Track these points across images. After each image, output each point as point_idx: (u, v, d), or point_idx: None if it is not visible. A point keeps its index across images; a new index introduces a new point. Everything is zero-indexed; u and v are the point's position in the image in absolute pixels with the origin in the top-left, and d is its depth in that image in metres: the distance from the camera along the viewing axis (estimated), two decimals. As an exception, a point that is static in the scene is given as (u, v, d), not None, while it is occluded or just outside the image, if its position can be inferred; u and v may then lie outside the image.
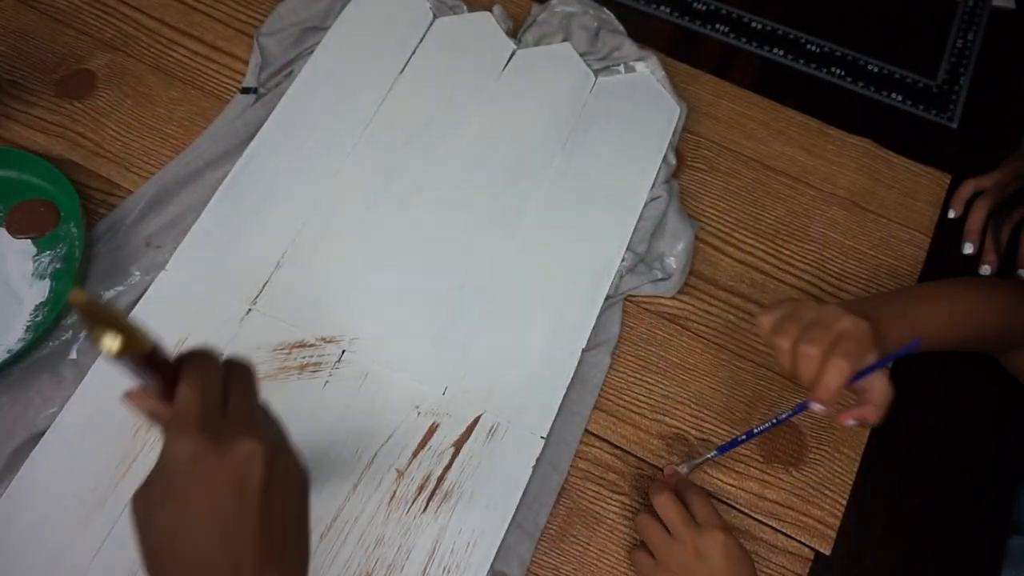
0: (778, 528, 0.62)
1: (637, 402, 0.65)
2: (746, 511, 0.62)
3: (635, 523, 0.60)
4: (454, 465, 0.61)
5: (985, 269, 0.71)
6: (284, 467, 0.38)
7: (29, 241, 0.67)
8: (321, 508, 0.59)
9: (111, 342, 0.35)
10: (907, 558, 0.62)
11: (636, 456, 0.64)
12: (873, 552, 0.62)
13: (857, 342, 0.50)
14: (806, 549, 0.61)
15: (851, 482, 0.63)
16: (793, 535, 0.61)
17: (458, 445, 0.62)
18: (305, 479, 0.40)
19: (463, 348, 0.65)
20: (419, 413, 0.62)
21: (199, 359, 0.39)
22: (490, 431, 0.62)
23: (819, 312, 0.52)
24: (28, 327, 0.64)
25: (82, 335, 0.64)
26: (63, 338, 0.64)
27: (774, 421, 0.57)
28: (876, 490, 0.64)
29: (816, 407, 0.50)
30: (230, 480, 0.36)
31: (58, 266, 0.67)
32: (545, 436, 0.62)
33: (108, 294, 0.66)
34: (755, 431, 0.58)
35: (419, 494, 0.60)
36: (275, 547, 0.37)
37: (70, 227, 0.68)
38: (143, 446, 0.60)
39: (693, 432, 0.64)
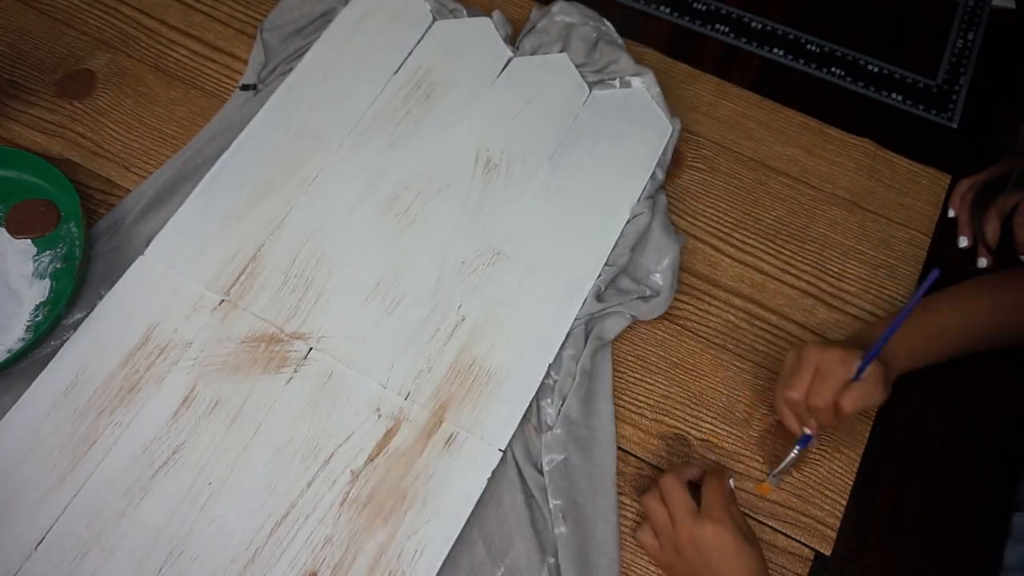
0: (778, 528, 0.62)
1: (637, 402, 0.65)
2: (746, 511, 0.62)
3: (640, 503, 0.60)
4: (410, 472, 0.61)
5: (981, 262, 0.72)
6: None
7: (29, 241, 0.67)
8: (274, 503, 0.59)
9: None
10: (907, 558, 0.62)
11: (636, 456, 0.63)
12: (873, 552, 0.62)
13: (831, 374, 0.57)
14: (806, 549, 0.61)
15: (851, 482, 0.63)
16: (793, 535, 0.61)
17: (415, 452, 0.61)
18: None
19: (430, 355, 0.65)
20: (379, 416, 0.62)
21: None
22: (448, 440, 0.62)
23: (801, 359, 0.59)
24: (28, 327, 0.64)
25: (82, 335, 0.64)
26: (63, 338, 0.64)
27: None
28: (876, 490, 0.64)
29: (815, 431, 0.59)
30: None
31: (58, 266, 0.67)
32: (503, 449, 0.62)
33: (107, 294, 0.66)
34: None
35: (371, 498, 0.60)
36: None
37: (70, 227, 0.68)
38: (105, 428, 0.61)
39: (693, 432, 0.64)
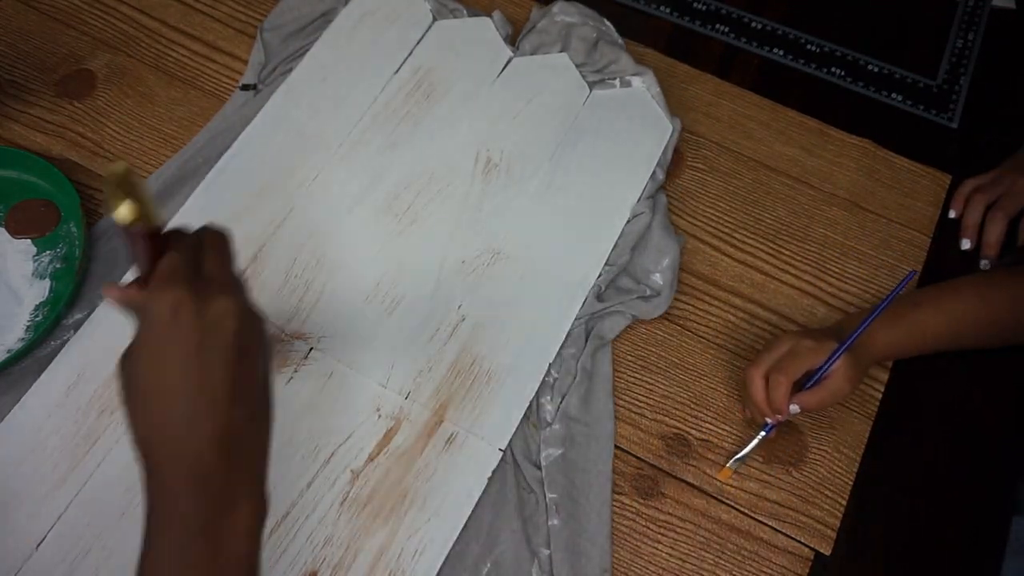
0: (778, 528, 0.62)
1: (637, 402, 0.65)
2: (746, 511, 0.62)
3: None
4: (410, 471, 0.61)
5: (984, 264, 0.72)
6: (252, 325, 0.42)
7: (29, 241, 0.67)
8: (274, 503, 0.59)
9: (126, 211, 0.39)
10: (907, 558, 0.62)
11: (636, 456, 0.64)
12: (873, 552, 0.62)
13: (797, 356, 0.59)
14: (806, 549, 0.61)
15: (851, 482, 0.63)
16: (793, 535, 0.61)
17: (416, 451, 0.61)
18: (268, 343, 0.44)
19: (430, 355, 0.65)
20: (380, 416, 0.62)
21: (178, 233, 0.44)
22: (449, 439, 0.62)
23: (778, 345, 0.61)
24: (28, 327, 0.64)
25: (82, 335, 0.64)
26: (63, 338, 0.64)
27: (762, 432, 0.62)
28: (876, 490, 0.64)
29: (774, 418, 0.60)
30: (207, 328, 0.40)
31: (58, 266, 0.67)
32: (503, 448, 0.62)
33: (108, 294, 0.66)
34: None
35: (372, 497, 0.60)
36: (244, 391, 0.41)
37: (70, 227, 0.68)
38: (106, 427, 0.61)
39: (693, 432, 0.64)
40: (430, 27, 0.78)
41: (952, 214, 0.74)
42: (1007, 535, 0.63)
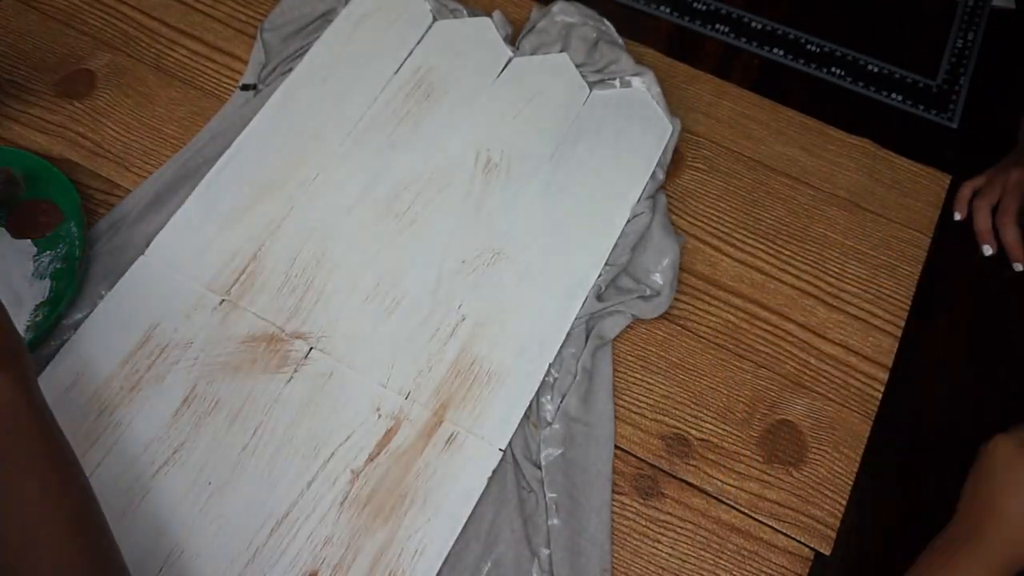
0: (778, 528, 0.62)
1: (637, 402, 0.65)
2: (746, 511, 0.62)
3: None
4: (410, 471, 0.61)
5: (1018, 267, 0.71)
6: None
7: (29, 241, 0.67)
8: (274, 503, 0.59)
9: None
10: (907, 558, 0.62)
11: (636, 456, 0.64)
12: (873, 552, 0.62)
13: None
14: (806, 549, 0.61)
15: (851, 482, 0.63)
16: (793, 535, 0.61)
17: (416, 451, 0.61)
18: None
19: (430, 355, 0.65)
20: (380, 416, 0.62)
21: None
22: (449, 439, 0.62)
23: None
24: (28, 327, 0.64)
25: (82, 335, 0.64)
26: (63, 338, 0.64)
27: None
28: (876, 490, 0.64)
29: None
30: None
31: (58, 266, 0.67)
32: (503, 448, 0.62)
33: (108, 294, 0.66)
34: None
35: (372, 497, 0.60)
36: None
37: (70, 227, 0.68)
38: (105, 428, 0.61)
39: (693, 432, 0.64)
40: (430, 27, 0.78)
41: (957, 216, 0.74)
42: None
